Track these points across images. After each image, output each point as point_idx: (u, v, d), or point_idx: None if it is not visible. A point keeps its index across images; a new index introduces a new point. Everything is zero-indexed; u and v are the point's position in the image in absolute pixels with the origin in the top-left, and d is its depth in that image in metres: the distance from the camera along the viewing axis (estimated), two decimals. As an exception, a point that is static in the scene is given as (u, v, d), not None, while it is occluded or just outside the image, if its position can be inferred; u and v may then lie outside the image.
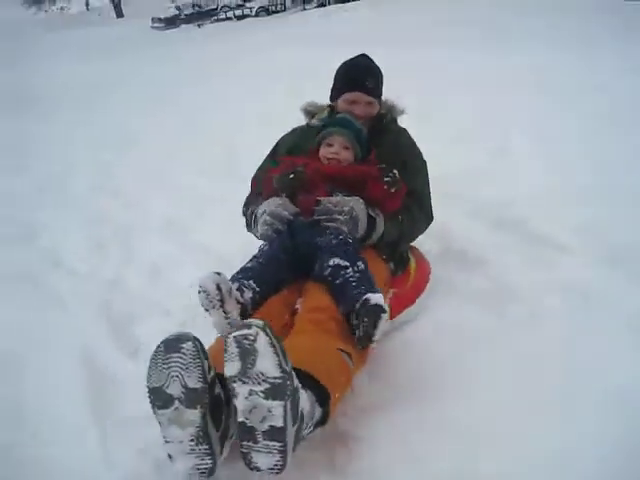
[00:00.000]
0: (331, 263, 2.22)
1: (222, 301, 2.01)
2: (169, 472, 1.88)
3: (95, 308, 3.02)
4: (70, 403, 2.29)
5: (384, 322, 2.00)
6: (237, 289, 2.11)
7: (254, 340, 1.64)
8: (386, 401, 2.14)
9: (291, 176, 2.43)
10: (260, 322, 1.68)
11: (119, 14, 41.63)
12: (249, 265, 2.28)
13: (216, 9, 30.41)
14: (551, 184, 3.57)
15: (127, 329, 2.83)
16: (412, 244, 2.88)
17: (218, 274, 2.04)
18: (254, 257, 2.34)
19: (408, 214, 2.61)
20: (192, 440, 1.74)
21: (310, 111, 2.96)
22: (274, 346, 1.65)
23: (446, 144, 4.56)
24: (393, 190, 2.42)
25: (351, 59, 2.87)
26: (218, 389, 1.80)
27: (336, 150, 2.56)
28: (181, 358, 1.73)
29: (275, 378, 1.65)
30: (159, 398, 1.74)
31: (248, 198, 2.86)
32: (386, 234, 2.52)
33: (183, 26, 29.20)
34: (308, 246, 2.33)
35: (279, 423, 1.66)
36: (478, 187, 3.73)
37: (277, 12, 27.06)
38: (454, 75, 6.89)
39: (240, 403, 1.67)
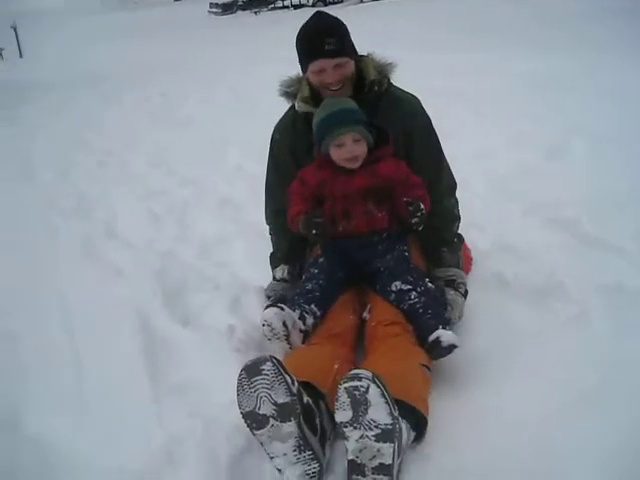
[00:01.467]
0: (394, 288, 2.30)
1: (287, 335, 2.16)
2: (217, 432, 2.00)
3: (149, 279, 3.14)
4: (127, 365, 2.41)
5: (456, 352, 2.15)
6: (299, 317, 2.22)
7: (365, 391, 1.73)
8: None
9: (314, 232, 2.31)
10: (369, 373, 1.76)
11: (177, -3, 41.98)
12: (309, 287, 2.35)
13: (274, -3, 30.46)
14: (607, 187, 3.54)
15: (180, 300, 2.93)
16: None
17: (282, 309, 2.17)
18: (312, 275, 2.41)
19: (451, 215, 2.73)
20: (295, 450, 1.84)
21: (290, 92, 2.65)
22: (384, 396, 1.74)
23: (505, 143, 4.57)
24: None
25: (306, 22, 2.51)
26: (306, 397, 1.90)
27: (350, 150, 2.36)
28: (264, 379, 1.81)
29: (386, 425, 1.74)
30: (254, 420, 1.83)
31: (268, 215, 2.91)
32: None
33: (240, 12, 29.35)
34: (367, 265, 2.42)
35: (388, 461, 1.76)
36: (535, 186, 3.73)
37: (334, 3, 26.89)
38: (509, 76, 6.84)
39: (351, 444, 1.77)
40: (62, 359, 2.52)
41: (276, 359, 1.85)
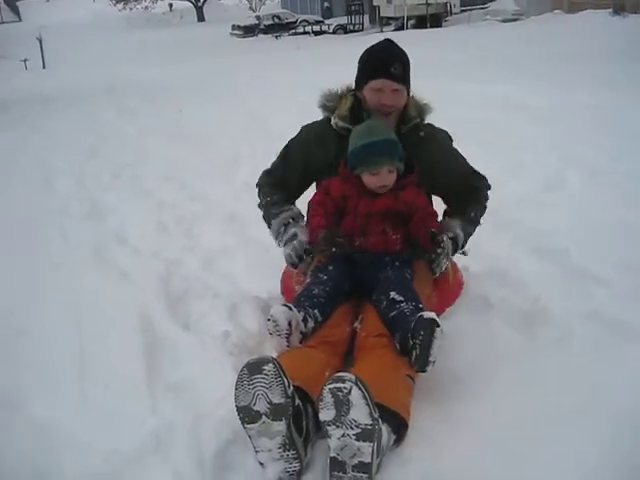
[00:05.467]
0: (388, 297, 2.40)
1: (289, 334, 2.27)
2: (205, 425, 2.14)
3: (154, 284, 3.28)
4: (127, 361, 2.55)
5: (439, 338, 2.13)
6: (302, 319, 2.32)
7: (348, 393, 1.86)
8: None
9: (333, 249, 2.48)
10: (352, 376, 1.89)
11: (200, 18, 42.74)
12: (315, 291, 2.45)
13: (295, 22, 30.96)
14: (597, 219, 3.68)
15: (182, 305, 3.07)
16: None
17: (290, 309, 2.29)
18: (320, 280, 2.51)
19: (482, 202, 2.86)
20: (280, 448, 1.95)
21: (329, 107, 2.77)
22: (366, 398, 1.86)
23: (504, 174, 4.67)
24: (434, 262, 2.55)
25: (375, 44, 2.70)
26: (297, 400, 2.01)
27: (383, 179, 2.52)
28: (264, 378, 1.93)
29: (366, 425, 1.86)
30: (247, 415, 1.95)
31: (262, 185, 2.96)
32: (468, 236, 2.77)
33: (261, 36, 29.83)
34: (372, 279, 2.53)
35: (367, 459, 1.88)
36: (527, 216, 3.88)
37: (354, 31, 27.38)
38: (519, 108, 7.01)
39: (333, 442, 1.89)
40: (66, 352, 2.67)
41: (277, 361, 1.96)
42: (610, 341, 2.53)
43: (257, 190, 2.99)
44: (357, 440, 1.86)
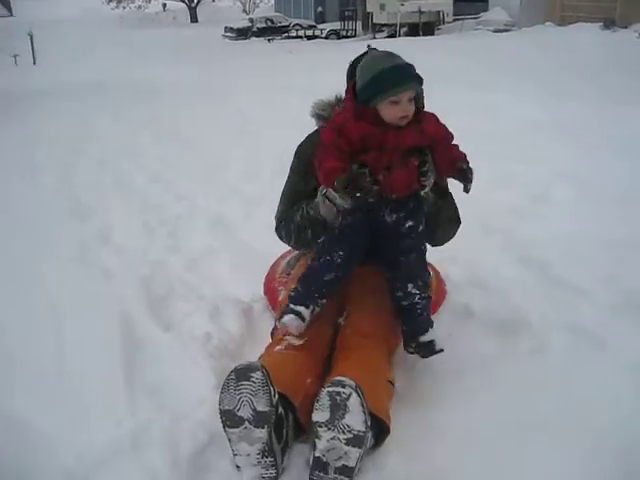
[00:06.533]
0: (405, 289, 2.39)
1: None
2: (182, 426, 2.15)
3: (137, 284, 3.27)
4: (106, 360, 2.54)
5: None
6: (311, 311, 2.34)
7: (347, 398, 1.89)
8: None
9: (358, 194, 2.16)
10: (353, 382, 1.92)
11: (193, 19, 42.66)
12: (327, 277, 2.36)
13: (288, 26, 30.96)
14: (583, 232, 3.68)
15: (164, 306, 3.06)
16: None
17: (302, 320, 2.30)
18: (332, 263, 2.35)
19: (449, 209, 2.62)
20: (259, 454, 1.97)
21: (322, 115, 2.63)
22: (363, 405, 1.89)
23: (494, 183, 4.67)
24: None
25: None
26: (280, 409, 2.03)
27: (405, 109, 2.21)
28: (251, 385, 1.94)
29: (359, 431, 1.89)
30: (230, 419, 1.96)
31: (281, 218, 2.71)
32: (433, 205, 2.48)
33: (253, 39, 29.81)
34: (391, 252, 2.41)
35: (352, 464, 1.92)
36: (514, 225, 3.90)
37: (347, 37, 27.40)
38: (517, 118, 7.04)
39: (321, 443, 1.91)
40: (44, 349, 2.65)
41: (265, 370, 1.97)
42: (586, 353, 2.57)
43: (280, 234, 2.72)
44: (346, 445, 1.89)
